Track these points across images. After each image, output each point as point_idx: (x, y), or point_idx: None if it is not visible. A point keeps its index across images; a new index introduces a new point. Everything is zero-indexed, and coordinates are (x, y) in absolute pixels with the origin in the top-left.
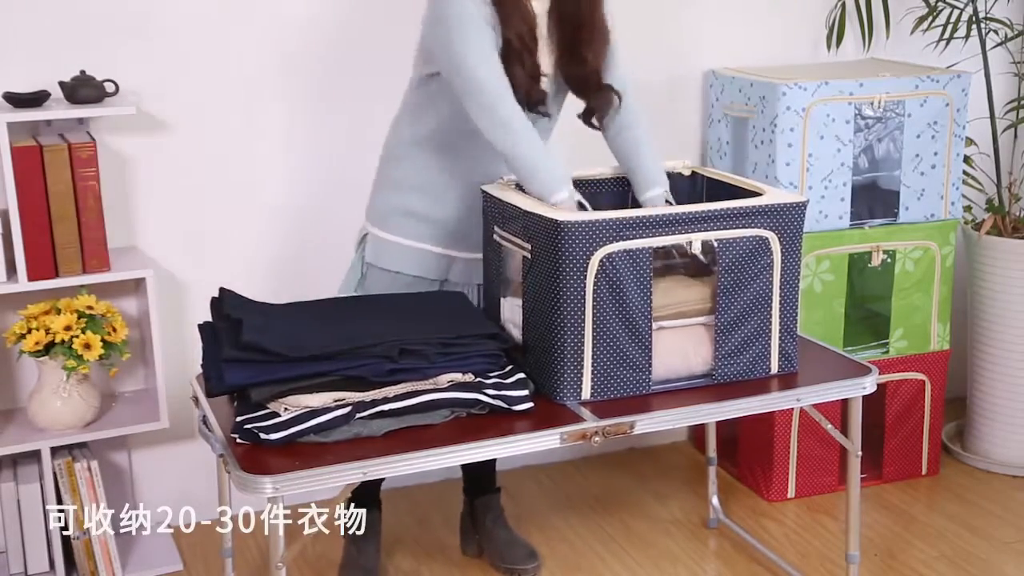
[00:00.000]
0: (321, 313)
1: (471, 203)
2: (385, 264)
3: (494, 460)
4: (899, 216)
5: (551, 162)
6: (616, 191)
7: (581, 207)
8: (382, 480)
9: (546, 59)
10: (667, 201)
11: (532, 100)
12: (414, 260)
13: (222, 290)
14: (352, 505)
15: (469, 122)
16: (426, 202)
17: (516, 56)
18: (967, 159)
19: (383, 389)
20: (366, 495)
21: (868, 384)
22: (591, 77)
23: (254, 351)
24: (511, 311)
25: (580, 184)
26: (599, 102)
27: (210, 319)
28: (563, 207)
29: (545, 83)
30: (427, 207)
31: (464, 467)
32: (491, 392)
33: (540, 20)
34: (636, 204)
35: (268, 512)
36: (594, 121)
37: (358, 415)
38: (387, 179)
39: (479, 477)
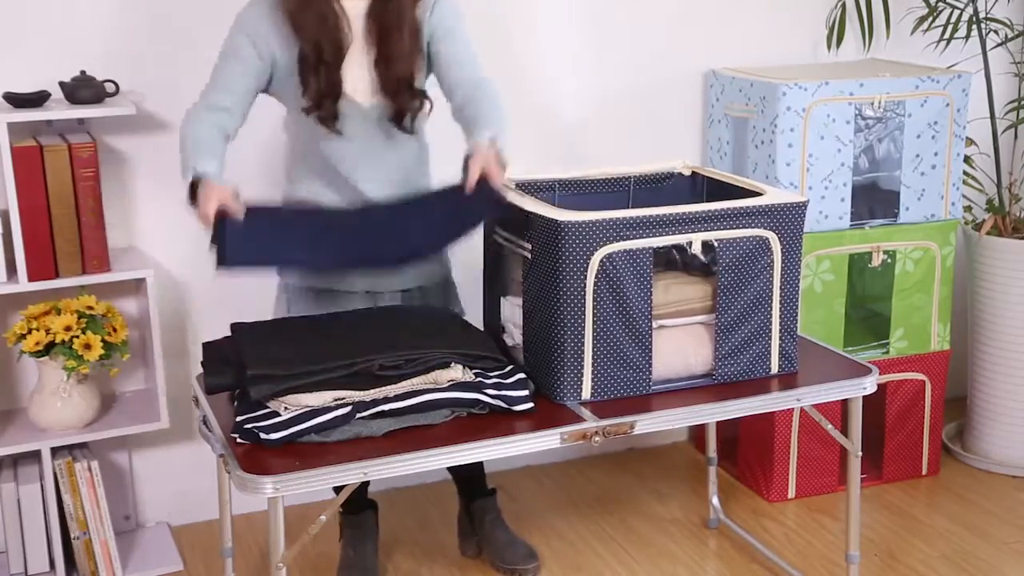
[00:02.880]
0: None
1: (356, 189)
2: (300, 281)
3: (482, 463)
4: (899, 216)
5: (199, 147)
6: (616, 191)
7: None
8: (367, 483)
9: (359, 72)
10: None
11: (322, 116)
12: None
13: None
14: (345, 507)
15: (301, 131)
16: (320, 196)
17: (309, 68)
18: (967, 159)
19: (383, 389)
20: (356, 499)
21: (868, 384)
22: (398, 80)
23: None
24: (511, 311)
25: (582, 184)
26: (405, 103)
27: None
28: (206, 185)
29: (350, 101)
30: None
31: (452, 473)
32: (491, 392)
33: (356, 28)
34: (637, 204)
35: (269, 512)
36: (404, 124)
37: (358, 415)
38: (285, 199)
39: (469, 481)
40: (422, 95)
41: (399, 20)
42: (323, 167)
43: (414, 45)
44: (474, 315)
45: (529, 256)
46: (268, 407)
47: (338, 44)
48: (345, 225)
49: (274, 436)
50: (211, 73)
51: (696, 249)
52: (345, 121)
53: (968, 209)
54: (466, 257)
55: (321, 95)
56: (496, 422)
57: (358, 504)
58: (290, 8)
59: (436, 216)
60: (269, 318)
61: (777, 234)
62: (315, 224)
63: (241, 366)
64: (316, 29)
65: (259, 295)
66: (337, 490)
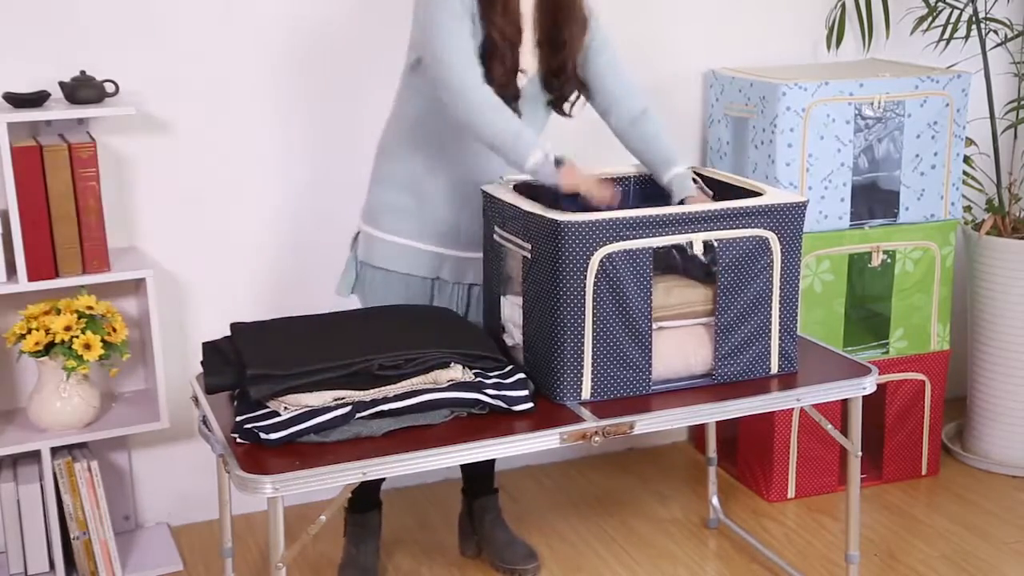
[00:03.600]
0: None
1: (459, 200)
2: (376, 262)
3: (493, 461)
4: (899, 216)
5: (522, 133)
6: (618, 191)
7: (559, 163)
8: (382, 480)
9: (529, 54)
10: (693, 179)
11: (506, 96)
12: (404, 257)
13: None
14: (352, 506)
15: (448, 114)
16: (413, 199)
17: (496, 50)
18: (967, 159)
19: (383, 388)
20: (366, 496)
21: (868, 384)
22: (564, 62)
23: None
24: (511, 311)
25: None
26: (569, 89)
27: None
28: (541, 170)
29: (523, 80)
30: (415, 204)
31: (463, 468)
32: (491, 392)
33: (526, 13)
34: (639, 204)
35: (269, 512)
36: (565, 108)
37: (358, 415)
38: (378, 176)
39: (478, 478)
40: (582, 84)
41: (572, 8)
42: (448, 143)
43: (583, 33)
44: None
45: (529, 256)
46: (268, 407)
47: (518, 28)
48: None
49: (274, 436)
50: (442, 38)
51: (696, 249)
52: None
53: (968, 209)
54: None
55: (508, 76)
56: (496, 422)
57: (366, 503)
58: None
59: None
60: (269, 317)
61: (777, 234)
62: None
63: (241, 366)
64: (503, 14)
65: (259, 295)
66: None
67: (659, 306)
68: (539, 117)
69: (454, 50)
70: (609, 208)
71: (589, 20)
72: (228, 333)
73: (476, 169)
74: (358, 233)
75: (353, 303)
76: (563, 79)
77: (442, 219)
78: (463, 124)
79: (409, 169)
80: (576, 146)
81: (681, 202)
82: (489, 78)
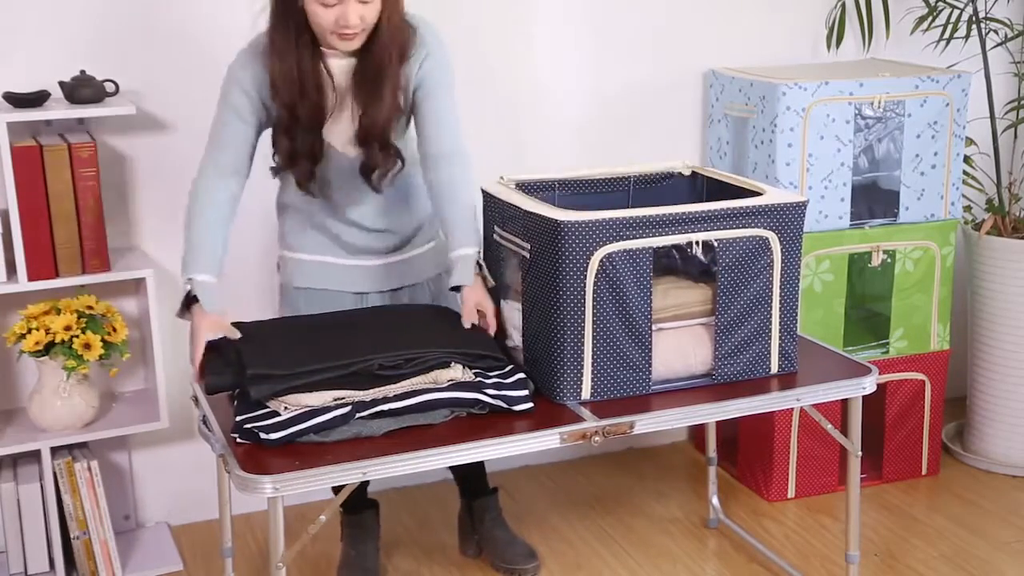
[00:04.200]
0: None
1: (350, 221)
2: (297, 282)
3: (482, 463)
4: (899, 216)
5: (192, 248)
6: (616, 191)
7: (190, 301)
8: (367, 483)
9: (343, 132)
10: (477, 263)
11: (297, 177)
12: (320, 273)
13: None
14: (344, 507)
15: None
16: (311, 220)
17: (283, 130)
18: (967, 159)
19: (383, 388)
20: (356, 499)
21: (868, 384)
22: (373, 130)
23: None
24: (510, 313)
25: (582, 184)
26: (377, 158)
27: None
28: (198, 288)
29: (345, 147)
30: (315, 224)
31: (453, 472)
32: (491, 392)
33: (342, 88)
34: (637, 204)
35: (268, 512)
36: (373, 180)
37: (358, 415)
38: (278, 201)
39: (470, 480)
40: (396, 153)
41: (379, 76)
42: (313, 207)
43: (393, 102)
44: None
45: (528, 256)
46: (268, 407)
47: (319, 107)
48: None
49: (274, 436)
50: (212, 127)
51: (696, 249)
52: (332, 170)
53: (968, 209)
54: None
55: (295, 155)
56: (496, 422)
57: (358, 504)
58: (270, 70)
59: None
60: (268, 318)
61: (777, 234)
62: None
63: (241, 366)
64: (293, 92)
65: (259, 294)
66: (336, 490)
67: (657, 308)
68: (363, 184)
69: (211, 137)
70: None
71: (409, 80)
72: None
73: (340, 194)
74: (279, 258)
75: None
76: (369, 148)
77: (343, 236)
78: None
79: (293, 196)
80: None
81: (455, 289)
82: (277, 154)
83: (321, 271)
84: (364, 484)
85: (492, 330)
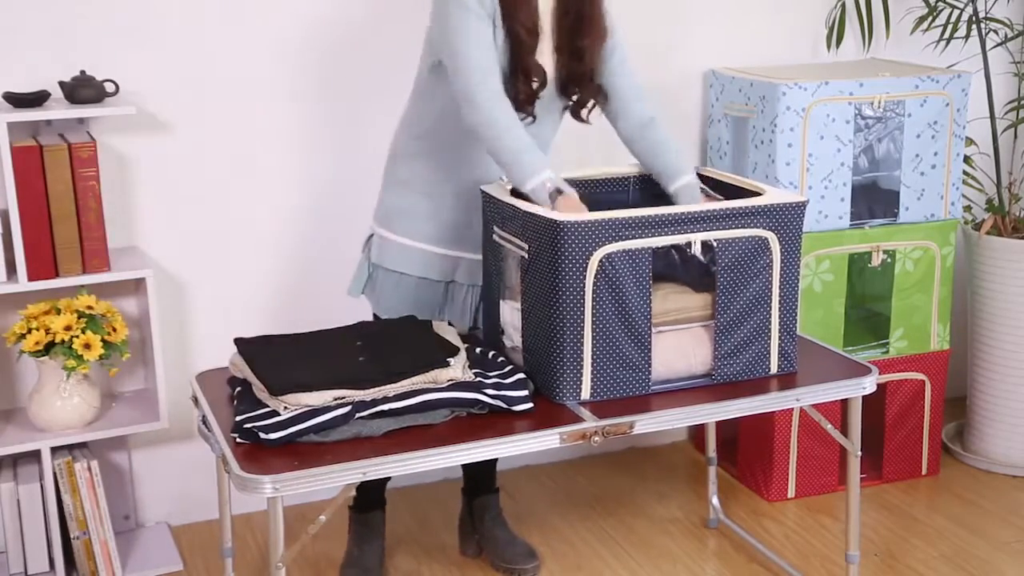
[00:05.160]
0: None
1: (471, 203)
2: (390, 264)
3: (495, 460)
4: (899, 216)
5: (529, 152)
6: (616, 191)
7: (558, 192)
8: (386, 480)
9: (547, 58)
10: (702, 189)
11: (522, 98)
12: (417, 261)
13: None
14: (355, 505)
15: (462, 121)
16: (427, 202)
17: (519, 50)
18: (967, 159)
19: (383, 388)
20: (368, 496)
21: (868, 384)
22: (585, 70)
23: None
24: (510, 315)
25: (581, 184)
26: (587, 95)
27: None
28: (538, 193)
29: (546, 80)
30: (428, 207)
31: (465, 467)
32: (491, 392)
33: (544, 17)
34: (637, 204)
35: (268, 512)
36: (582, 114)
37: (358, 415)
38: (390, 178)
39: (479, 477)
40: (600, 91)
41: (594, 18)
42: (463, 147)
43: (603, 41)
44: None
45: (526, 256)
46: (268, 406)
47: (536, 31)
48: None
49: (273, 436)
50: (458, 41)
51: (696, 249)
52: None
53: (968, 209)
54: None
55: (525, 74)
56: (495, 422)
57: (369, 503)
58: None
59: None
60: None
61: (776, 234)
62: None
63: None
64: (525, 14)
65: (259, 294)
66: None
67: (656, 313)
68: (553, 120)
69: (472, 57)
70: None
71: (608, 29)
72: (227, 332)
73: (490, 172)
74: (371, 235)
75: (363, 303)
76: (581, 87)
77: (455, 222)
78: (475, 134)
79: (423, 172)
80: (578, 146)
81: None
82: (511, 82)
83: (417, 257)
84: (379, 484)
85: None
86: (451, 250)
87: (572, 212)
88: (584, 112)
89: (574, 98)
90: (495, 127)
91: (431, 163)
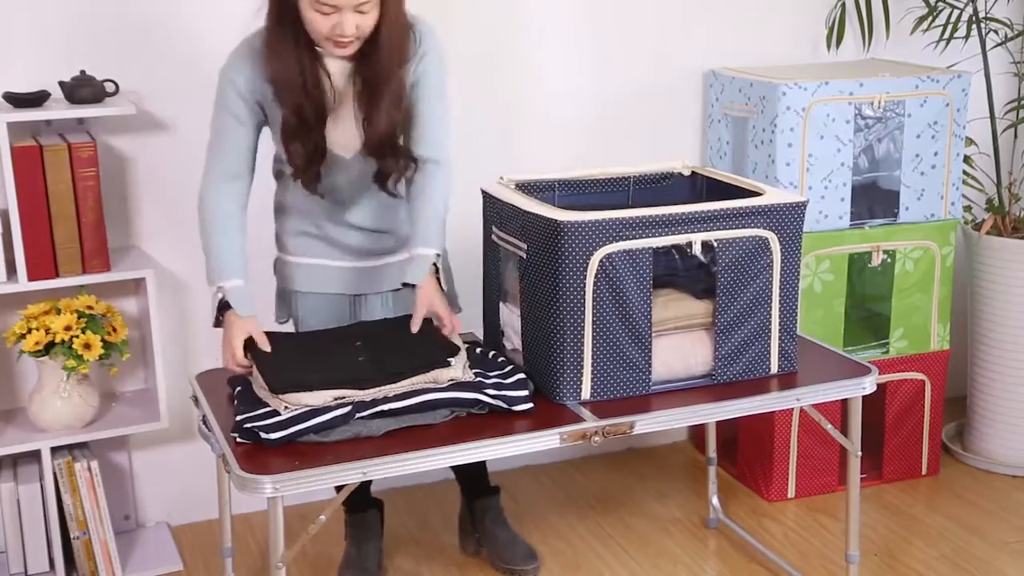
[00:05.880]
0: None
1: (343, 222)
2: (294, 285)
3: (484, 462)
4: (899, 216)
5: (218, 256)
6: (616, 191)
7: (223, 308)
8: (370, 482)
9: (345, 131)
10: (435, 264)
11: (302, 178)
12: (316, 277)
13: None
14: (348, 506)
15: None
16: (299, 221)
17: (291, 132)
18: (967, 159)
19: (383, 388)
20: (359, 498)
21: (868, 384)
22: (382, 138)
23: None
24: (509, 316)
25: (582, 184)
26: (390, 166)
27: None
28: (230, 295)
29: (345, 150)
30: (310, 227)
31: (455, 471)
32: (491, 392)
33: (341, 87)
34: (637, 204)
35: (268, 512)
36: (388, 186)
37: (358, 415)
38: (274, 204)
39: (471, 480)
40: (407, 155)
41: (383, 81)
42: (312, 209)
43: (397, 106)
44: (475, 315)
45: (525, 256)
46: (268, 406)
47: (322, 106)
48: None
49: (274, 436)
50: (211, 134)
51: (696, 249)
52: (333, 172)
53: (968, 209)
54: (466, 256)
55: (309, 158)
56: (496, 422)
57: (361, 503)
58: (270, 74)
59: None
60: (268, 317)
61: (777, 234)
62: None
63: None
64: (297, 92)
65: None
66: (339, 489)
67: (657, 320)
68: (363, 184)
69: (211, 144)
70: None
71: (403, 89)
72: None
73: (339, 197)
74: (275, 260)
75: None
76: (381, 155)
77: (341, 239)
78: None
79: (291, 198)
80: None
81: (405, 286)
82: (289, 158)
83: (318, 274)
84: (367, 484)
85: (447, 330)
86: (345, 262)
87: (239, 334)
88: (390, 183)
89: (375, 168)
90: (202, 221)
91: (287, 184)
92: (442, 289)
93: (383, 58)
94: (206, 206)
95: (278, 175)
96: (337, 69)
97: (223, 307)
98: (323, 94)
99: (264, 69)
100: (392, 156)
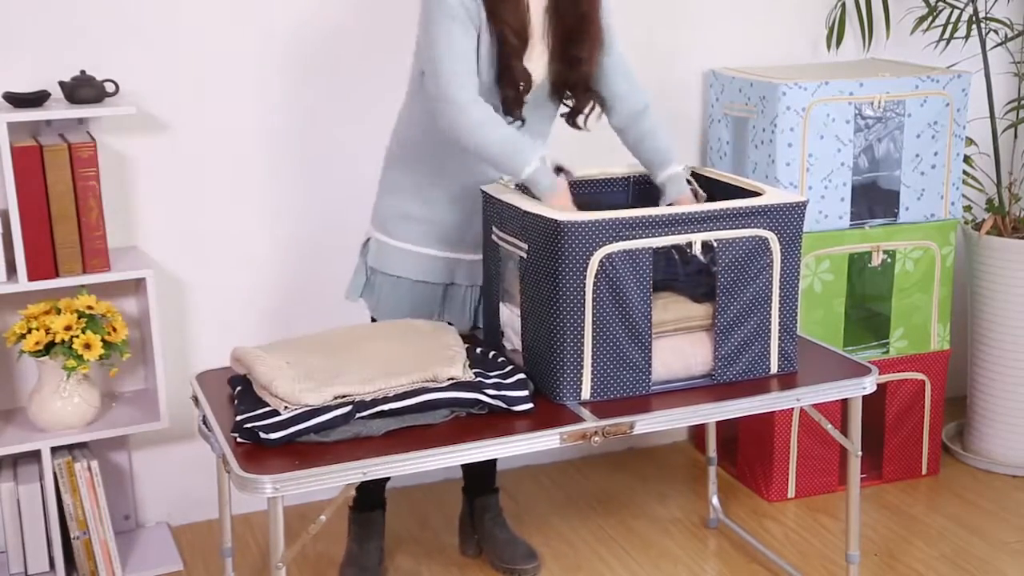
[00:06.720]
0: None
1: (466, 205)
2: (388, 268)
3: (495, 459)
4: (899, 216)
5: (515, 140)
6: (616, 191)
7: (559, 171)
8: (386, 480)
9: (538, 61)
10: (689, 180)
11: (508, 101)
12: (415, 264)
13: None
14: (355, 505)
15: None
16: (421, 206)
17: (507, 52)
18: (967, 159)
19: (383, 387)
20: (368, 495)
21: (868, 384)
22: (580, 79)
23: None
24: (509, 317)
25: (581, 184)
26: (583, 103)
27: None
28: (540, 175)
29: (532, 84)
30: (422, 211)
31: (464, 466)
32: (491, 392)
33: (536, 19)
34: (637, 204)
35: (269, 512)
36: (578, 122)
37: (358, 415)
38: (386, 182)
39: (479, 476)
40: (598, 96)
41: (589, 21)
42: (451, 152)
43: (600, 46)
44: None
45: (525, 256)
46: (268, 406)
47: (525, 34)
48: None
49: (274, 436)
50: (434, 47)
51: (696, 249)
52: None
53: (968, 209)
54: None
55: (515, 83)
56: (496, 422)
57: (369, 503)
58: None
59: None
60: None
61: (776, 234)
62: None
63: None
64: (520, 13)
65: (258, 295)
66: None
67: (657, 322)
68: (544, 124)
69: (449, 61)
70: None
71: (606, 40)
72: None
73: (481, 174)
74: (367, 239)
75: (360, 307)
76: (576, 94)
77: (451, 225)
78: (456, 141)
79: (415, 178)
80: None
81: (670, 204)
82: (497, 85)
83: (414, 260)
84: (379, 483)
85: None
86: (449, 252)
87: (565, 209)
88: (581, 119)
89: (569, 103)
90: (476, 131)
91: (423, 167)
92: (696, 198)
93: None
94: (475, 115)
95: (407, 148)
96: (536, 5)
97: (556, 171)
98: (527, 19)
99: None
100: (585, 92)
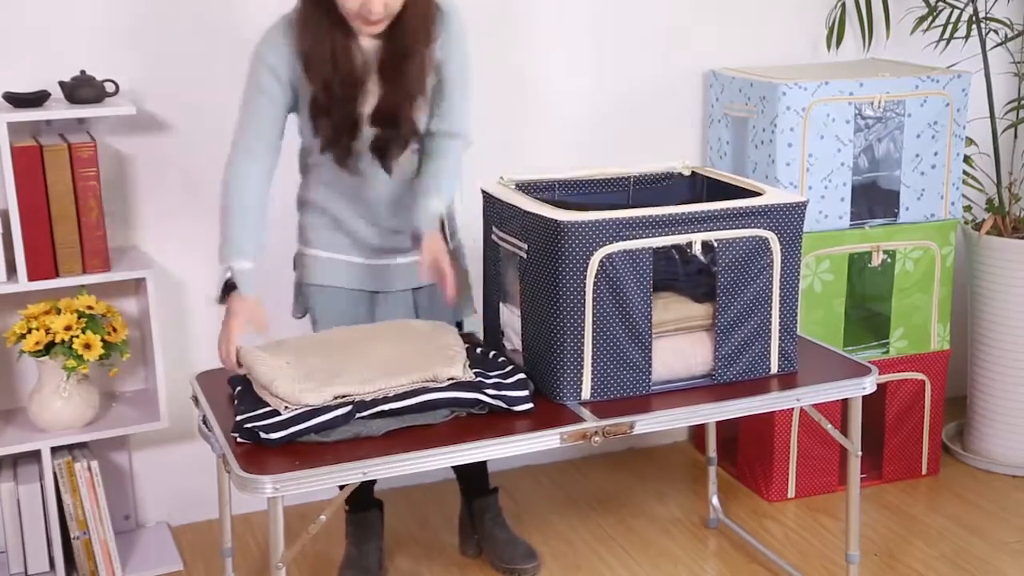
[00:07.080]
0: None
1: (366, 216)
2: (313, 279)
3: (484, 462)
4: (899, 216)
5: (232, 237)
6: (616, 191)
7: (228, 288)
8: (374, 481)
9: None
10: (441, 224)
11: (337, 154)
12: (336, 271)
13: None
14: (349, 505)
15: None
16: (328, 216)
17: (320, 108)
18: (967, 159)
19: (383, 387)
20: (361, 497)
21: (868, 384)
22: (389, 111)
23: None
24: (509, 317)
25: (582, 184)
26: (389, 136)
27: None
28: (238, 276)
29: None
30: (330, 220)
31: (456, 470)
32: (491, 392)
33: (374, 67)
34: (636, 204)
35: (269, 512)
36: (387, 161)
37: (358, 415)
38: (298, 198)
39: (472, 479)
40: (411, 131)
41: (404, 58)
42: (334, 204)
43: (416, 83)
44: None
45: (525, 256)
46: (268, 406)
47: (353, 82)
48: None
49: (274, 436)
50: (241, 110)
51: (696, 249)
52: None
53: (968, 209)
54: (467, 256)
55: (336, 132)
56: (496, 422)
57: (362, 503)
58: (301, 47)
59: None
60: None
61: (777, 234)
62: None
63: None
64: (327, 70)
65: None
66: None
67: (657, 322)
68: (412, 165)
69: (242, 128)
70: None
71: (427, 68)
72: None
73: (363, 185)
74: (296, 254)
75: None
76: (383, 125)
77: (360, 234)
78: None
79: (314, 192)
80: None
81: (416, 236)
82: (318, 132)
83: (337, 269)
84: (369, 483)
85: (449, 291)
86: (366, 259)
87: (240, 314)
88: (389, 158)
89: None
90: (226, 197)
91: (319, 178)
92: (447, 243)
93: (408, 36)
94: (231, 182)
95: (304, 169)
96: (372, 47)
97: (229, 287)
98: (354, 70)
99: (296, 44)
100: (394, 127)
